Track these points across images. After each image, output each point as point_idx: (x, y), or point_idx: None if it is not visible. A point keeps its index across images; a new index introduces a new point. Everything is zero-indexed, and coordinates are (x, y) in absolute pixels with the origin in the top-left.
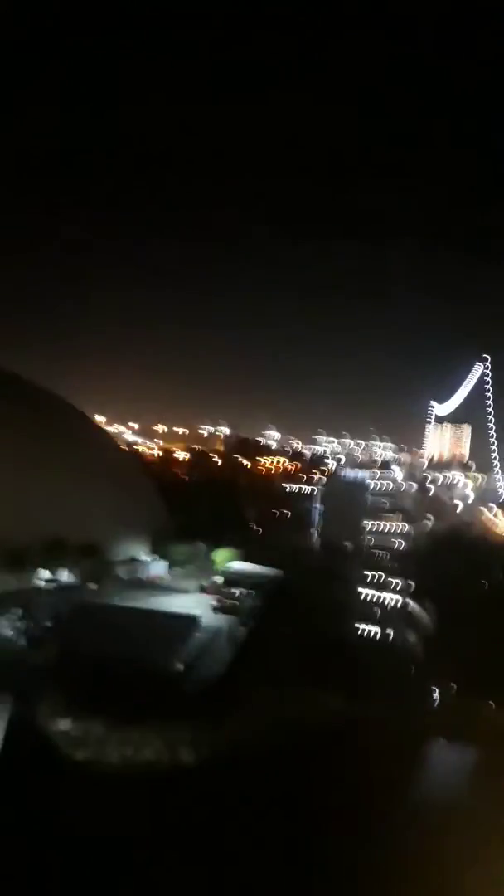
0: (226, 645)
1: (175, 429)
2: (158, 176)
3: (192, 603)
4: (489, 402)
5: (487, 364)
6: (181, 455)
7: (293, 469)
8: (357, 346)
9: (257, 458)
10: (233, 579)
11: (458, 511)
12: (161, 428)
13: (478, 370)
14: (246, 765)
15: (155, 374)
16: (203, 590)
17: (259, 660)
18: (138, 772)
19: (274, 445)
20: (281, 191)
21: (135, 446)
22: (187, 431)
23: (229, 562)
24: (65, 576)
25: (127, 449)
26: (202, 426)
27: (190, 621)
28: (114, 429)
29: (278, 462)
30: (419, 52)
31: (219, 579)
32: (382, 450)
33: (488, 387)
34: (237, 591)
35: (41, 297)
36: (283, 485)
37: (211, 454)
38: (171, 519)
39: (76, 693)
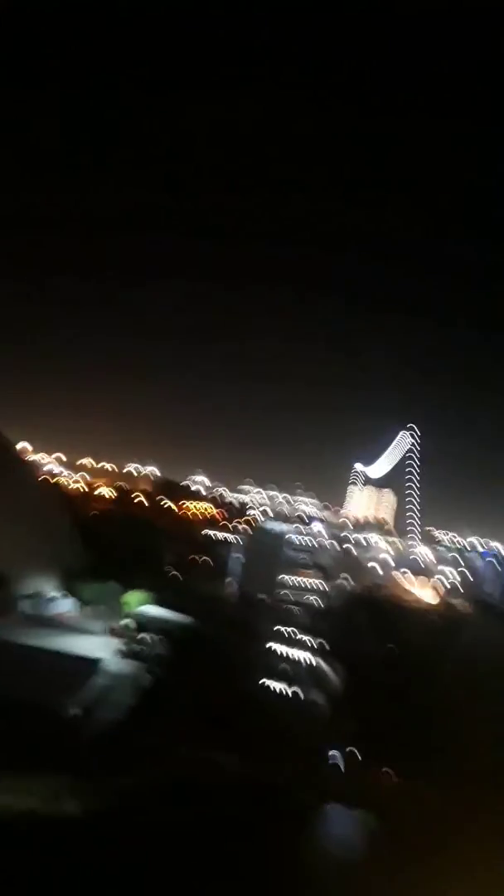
0: (127, 692)
1: (102, 464)
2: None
3: (97, 645)
4: (412, 469)
5: (414, 432)
6: (105, 491)
7: (217, 516)
8: (291, 402)
9: (182, 501)
10: (143, 623)
11: (373, 573)
12: (88, 462)
13: (404, 437)
14: (130, 821)
15: (88, 407)
16: (111, 632)
17: (160, 710)
18: (17, 821)
19: (201, 490)
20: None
21: (58, 478)
22: (114, 468)
23: (142, 605)
24: None
25: (48, 480)
26: (131, 464)
27: (91, 664)
28: (39, 457)
29: (203, 507)
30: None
31: (129, 622)
32: (306, 505)
33: (412, 454)
34: (146, 636)
35: None
36: (206, 531)
37: (136, 493)
38: (85, 555)
39: None
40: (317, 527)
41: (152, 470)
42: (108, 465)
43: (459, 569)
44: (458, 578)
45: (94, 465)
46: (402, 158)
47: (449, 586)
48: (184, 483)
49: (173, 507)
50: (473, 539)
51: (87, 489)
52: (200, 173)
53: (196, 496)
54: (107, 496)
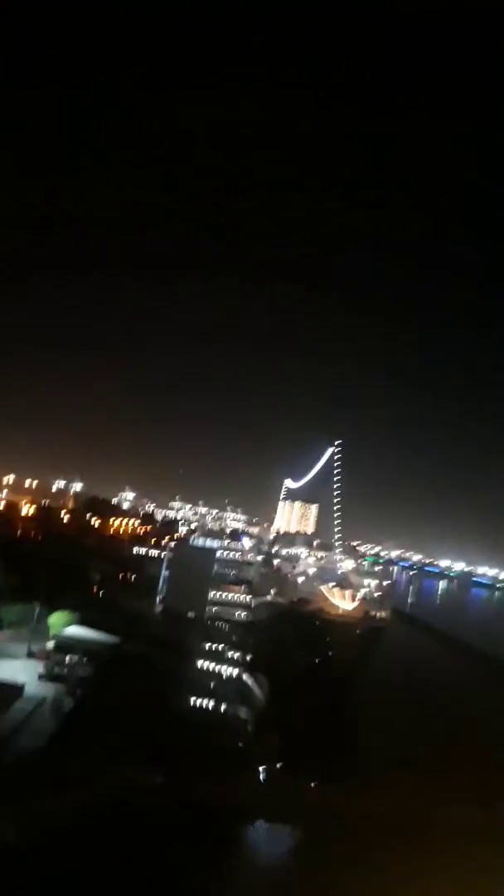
0: (49, 716)
1: (25, 480)
2: None
3: (18, 669)
4: (336, 484)
5: (337, 449)
6: (26, 509)
7: (144, 532)
8: (220, 420)
9: (109, 518)
10: (67, 645)
11: (300, 587)
12: (9, 478)
13: (330, 454)
14: (54, 844)
15: (11, 422)
16: (32, 655)
17: (83, 733)
18: None
19: (127, 506)
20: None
21: None
22: (39, 485)
23: (65, 626)
24: None
25: None
26: (56, 481)
27: (11, 689)
28: None
29: (130, 524)
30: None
31: (51, 644)
32: (235, 521)
33: (336, 470)
34: (69, 658)
35: None
36: (134, 548)
37: (59, 510)
38: (6, 577)
39: None
40: (245, 542)
41: (78, 487)
42: (31, 482)
43: (380, 580)
44: (379, 589)
45: (17, 483)
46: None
47: (370, 597)
48: (111, 499)
49: (99, 523)
50: (394, 551)
51: (6, 506)
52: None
53: (124, 513)
54: (30, 514)
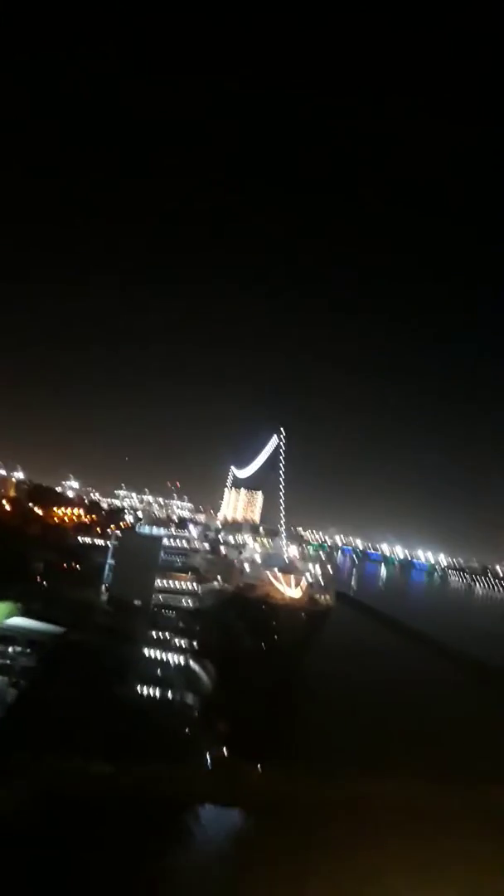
0: None
1: None
2: None
3: None
4: (281, 472)
5: (282, 437)
6: None
7: (89, 521)
8: (165, 407)
9: (52, 506)
10: (9, 636)
11: (245, 572)
12: None
13: (274, 442)
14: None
15: None
16: None
17: (26, 724)
18: None
19: (72, 495)
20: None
21: None
22: None
23: (7, 617)
24: None
25: None
26: None
27: None
28: None
29: (74, 513)
30: None
31: None
32: (181, 508)
33: (281, 458)
34: (12, 649)
35: None
36: (77, 537)
37: (1, 499)
38: None
39: None
40: (192, 530)
41: (20, 475)
42: None
43: (325, 566)
44: (322, 573)
45: None
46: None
47: (314, 581)
48: (54, 488)
49: (41, 513)
50: (338, 537)
51: None
52: None
53: (69, 502)
54: None
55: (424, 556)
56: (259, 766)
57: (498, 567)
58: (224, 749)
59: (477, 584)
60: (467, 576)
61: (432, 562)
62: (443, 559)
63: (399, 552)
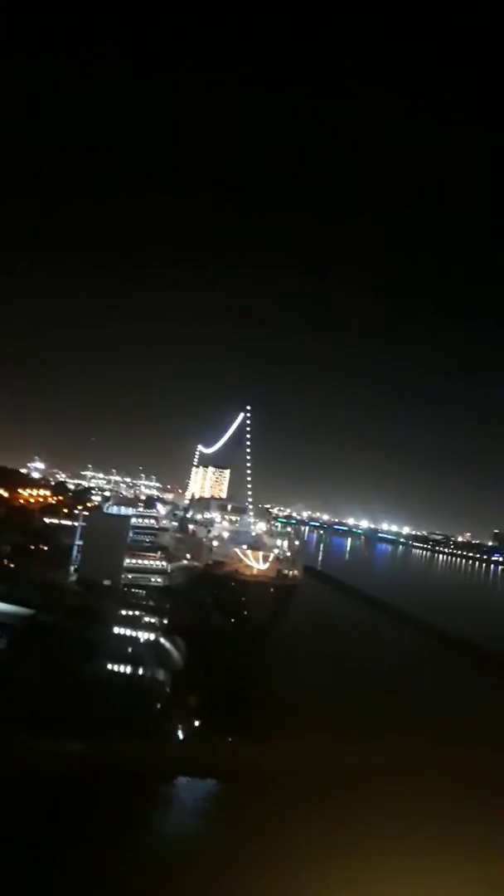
0: None
1: None
2: None
3: None
4: (247, 449)
5: (248, 414)
6: None
7: (55, 502)
8: (131, 387)
9: (17, 489)
10: None
11: (214, 549)
12: None
13: (241, 419)
14: None
15: None
16: None
17: None
18: None
19: (38, 476)
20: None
21: None
22: None
23: None
24: None
25: None
26: None
27: None
28: None
29: (40, 494)
30: None
31: None
32: (149, 488)
33: (248, 435)
34: None
35: None
36: (43, 519)
37: None
38: None
39: None
40: (160, 509)
41: None
42: None
43: (292, 540)
44: (291, 549)
45: None
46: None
47: (283, 557)
48: (19, 470)
49: (7, 495)
50: (305, 512)
51: None
52: None
53: (35, 483)
54: None
55: (389, 528)
56: (230, 738)
57: (460, 538)
58: (195, 722)
59: (439, 554)
60: (430, 546)
61: (396, 532)
62: (406, 530)
63: (364, 524)
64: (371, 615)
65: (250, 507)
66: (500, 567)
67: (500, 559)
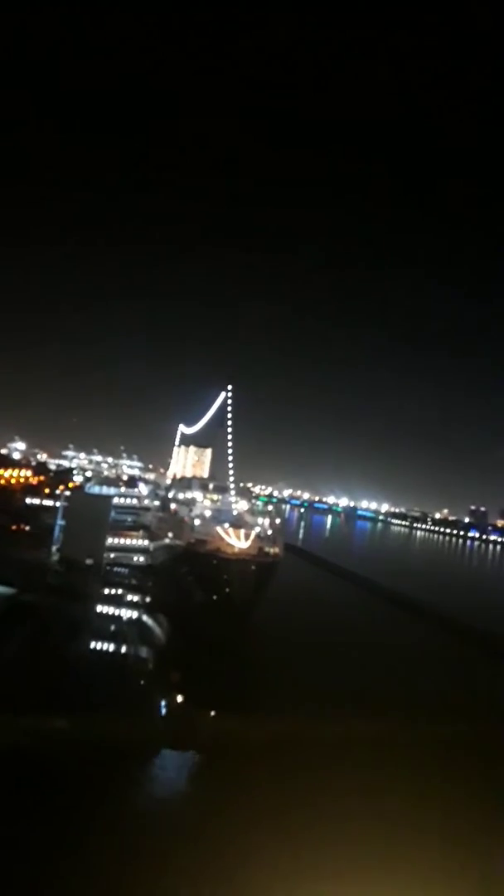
0: None
1: None
2: None
3: None
4: (229, 428)
5: (229, 393)
6: None
7: (36, 482)
8: (112, 364)
9: None
10: None
11: (196, 528)
12: None
13: (223, 398)
14: None
15: None
16: None
17: None
18: None
19: (18, 457)
20: None
21: None
22: None
23: None
24: None
25: None
26: None
27: None
28: None
29: (21, 475)
30: None
31: None
32: (130, 467)
33: (229, 414)
34: None
35: None
36: (24, 499)
37: None
38: None
39: None
40: (142, 488)
41: None
42: None
43: (273, 518)
44: (272, 527)
45: None
46: None
47: (264, 535)
48: (1, 451)
49: None
50: (286, 490)
51: None
52: None
53: (15, 464)
54: None
55: (368, 505)
56: (212, 711)
57: (437, 514)
58: (178, 697)
59: (417, 530)
60: (408, 523)
61: (375, 510)
62: (385, 507)
63: (343, 502)
64: (349, 589)
65: (232, 486)
66: (474, 542)
67: (476, 535)
